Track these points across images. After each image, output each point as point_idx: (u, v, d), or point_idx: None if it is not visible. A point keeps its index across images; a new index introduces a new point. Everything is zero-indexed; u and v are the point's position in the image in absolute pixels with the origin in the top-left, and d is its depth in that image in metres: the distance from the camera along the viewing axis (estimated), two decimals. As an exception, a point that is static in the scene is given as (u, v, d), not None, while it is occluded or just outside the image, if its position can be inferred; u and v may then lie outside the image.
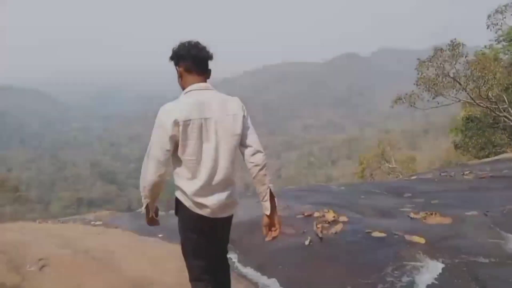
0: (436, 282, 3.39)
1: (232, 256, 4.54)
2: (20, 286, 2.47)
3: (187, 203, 2.11)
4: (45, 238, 3.41)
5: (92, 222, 5.78)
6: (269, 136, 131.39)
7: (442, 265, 3.62)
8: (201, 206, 2.08)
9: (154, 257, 3.64)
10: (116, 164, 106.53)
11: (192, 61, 2.17)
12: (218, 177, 2.09)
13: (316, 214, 5.31)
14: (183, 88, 2.21)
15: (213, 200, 2.08)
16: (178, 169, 2.12)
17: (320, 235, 4.60)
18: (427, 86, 15.57)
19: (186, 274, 3.31)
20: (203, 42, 2.21)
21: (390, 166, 21.49)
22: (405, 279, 3.51)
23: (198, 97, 2.10)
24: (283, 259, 4.22)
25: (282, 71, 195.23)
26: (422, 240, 4.14)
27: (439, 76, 15.42)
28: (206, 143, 2.05)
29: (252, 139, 2.21)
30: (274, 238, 2.34)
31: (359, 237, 4.50)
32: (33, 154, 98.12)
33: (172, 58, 2.23)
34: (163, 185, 2.12)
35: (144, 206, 2.23)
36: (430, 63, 15.57)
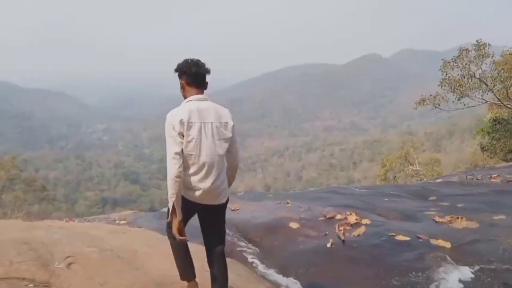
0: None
1: (254, 257, 4.55)
2: (49, 283, 2.54)
3: (187, 194, 2.51)
4: (72, 236, 3.50)
5: (117, 221, 5.91)
6: (289, 137, 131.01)
7: (469, 271, 3.53)
8: (194, 190, 2.50)
9: (177, 256, 3.68)
10: (138, 164, 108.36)
11: (193, 77, 2.62)
12: (212, 171, 2.53)
13: (338, 217, 5.26)
14: (185, 97, 2.67)
15: (205, 186, 2.51)
16: (173, 164, 2.43)
17: (342, 237, 4.55)
18: (452, 87, 15.21)
19: (208, 274, 3.34)
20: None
21: (414, 168, 21.05)
22: (430, 283, 3.44)
23: (197, 105, 2.55)
24: (305, 261, 4.20)
25: (302, 73, 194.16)
26: (447, 245, 4.05)
27: (464, 77, 15.05)
28: (204, 142, 2.49)
29: (234, 148, 2.71)
30: None
31: (382, 240, 4.43)
32: (59, 155, 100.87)
33: (176, 71, 2.68)
34: (182, 178, 2.44)
35: (171, 206, 2.45)
36: (455, 64, 15.21)
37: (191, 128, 2.46)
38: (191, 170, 2.50)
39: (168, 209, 2.52)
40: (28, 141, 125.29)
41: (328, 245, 4.42)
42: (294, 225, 5.12)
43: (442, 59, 15.66)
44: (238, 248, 4.80)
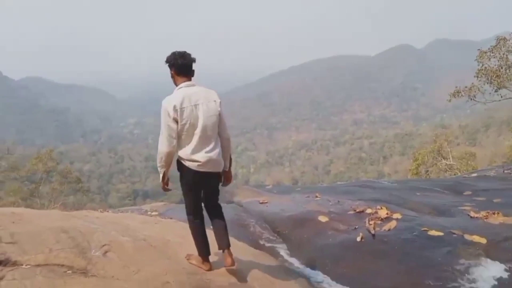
0: (498, 285, 3.20)
1: (282, 249, 4.56)
2: (86, 269, 2.65)
3: (184, 163, 3.05)
4: (107, 226, 3.62)
5: (148, 213, 6.07)
6: (317, 131, 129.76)
7: (505, 267, 3.41)
8: (194, 162, 3.00)
9: (207, 247, 3.75)
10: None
11: (180, 67, 3.06)
12: (205, 143, 3.02)
13: (368, 211, 5.19)
14: (176, 85, 3.11)
15: (202, 157, 3.00)
16: (179, 143, 3.02)
17: (372, 232, 4.49)
18: (489, 78, 14.56)
19: (236, 263, 3.38)
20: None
21: (448, 163, 20.38)
22: (463, 280, 3.35)
23: (187, 91, 3.01)
24: (334, 254, 4.18)
25: (332, 65, 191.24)
26: (483, 240, 3.91)
27: (502, 68, 14.37)
28: (197, 121, 2.97)
29: (223, 122, 3.17)
30: (226, 185, 3.43)
31: (415, 235, 4.34)
32: (93, 148, 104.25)
33: (166, 62, 3.10)
34: (173, 155, 3.01)
35: (161, 174, 3.13)
36: (492, 54, 14.55)
37: (184, 112, 2.93)
38: (189, 145, 2.99)
39: (162, 176, 3.15)
40: (64, 135, 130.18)
41: (358, 239, 4.37)
42: (323, 218, 5.09)
43: (478, 49, 15.01)
44: (267, 240, 4.82)
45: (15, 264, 2.50)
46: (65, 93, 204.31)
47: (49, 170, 20.32)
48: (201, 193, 3.24)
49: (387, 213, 5.03)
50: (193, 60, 3.10)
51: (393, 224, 4.65)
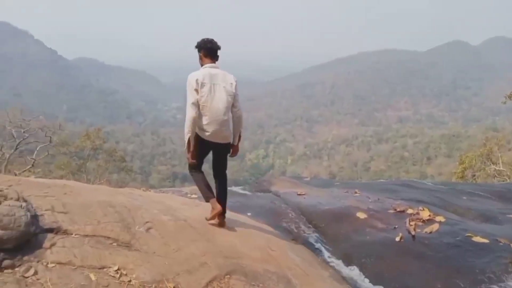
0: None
1: (318, 243, 4.55)
2: (130, 243, 2.77)
3: (196, 131, 3.53)
4: (150, 204, 3.76)
5: (188, 195, 6.23)
6: (359, 126, 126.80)
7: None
8: (205, 131, 3.51)
9: (244, 233, 3.81)
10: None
11: (208, 50, 3.63)
12: (219, 118, 3.50)
13: (409, 211, 5.05)
14: (202, 65, 3.63)
15: (212, 129, 3.50)
16: (192, 113, 3.44)
17: (413, 233, 4.37)
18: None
19: (273, 252, 3.41)
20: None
21: (497, 168, 19.27)
22: (508, 290, 3.19)
23: (210, 71, 3.54)
24: (371, 252, 4.11)
25: (379, 59, 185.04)
26: (533, 252, 3.70)
27: None
28: (213, 97, 3.47)
29: (237, 102, 3.66)
30: (233, 156, 3.85)
31: (457, 240, 4.18)
32: (137, 129, 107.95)
33: (196, 47, 3.68)
34: (197, 121, 3.47)
35: (186, 140, 3.50)
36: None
37: (204, 87, 3.46)
38: (204, 117, 3.48)
39: (187, 144, 3.53)
40: (111, 115, 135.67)
41: (397, 239, 4.28)
42: (361, 215, 5.01)
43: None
44: (302, 232, 4.82)
45: (65, 232, 2.65)
46: (114, 75, 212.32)
47: (96, 147, 21.23)
48: (204, 158, 3.78)
49: (429, 215, 4.87)
50: (219, 47, 3.66)
51: (435, 227, 4.50)
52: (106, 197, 3.48)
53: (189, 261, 2.79)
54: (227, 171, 3.92)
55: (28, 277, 2.19)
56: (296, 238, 4.58)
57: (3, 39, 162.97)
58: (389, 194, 6.34)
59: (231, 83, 3.58)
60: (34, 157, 15.16)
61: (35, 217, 2.61)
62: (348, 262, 4.04)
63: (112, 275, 2.39)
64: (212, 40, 3.65)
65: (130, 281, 2.39)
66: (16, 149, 14.07)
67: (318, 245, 4.47)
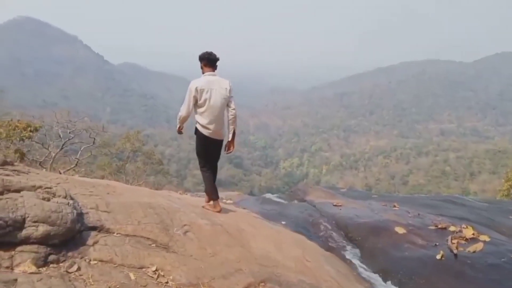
0: None
1: (354, 256, 4.44)
2: (168, 245, 2.83)
3: (200, 129, 4.25)
4: (187, 207, 3.83)
5: (224, 200, 6.28)
6: (398, 138, 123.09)
7: None
8: (207, 129, 4.22)
9: (279, 241, 3.79)
10: (243, 150, 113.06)
11: (207, 61, 4.26)
12: (215, 117, 4.19)
13: (451, 228, 4.83)
14: (203, 73, 4.26)
15: (212, 128, 4.20)
16: (198, 112, 4.22)
17: (455, 251, 4.17)
18: None
19: (308, 263, 3.37)
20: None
21: (548, 187, 18.06)
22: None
23: (208, 78, 4.19)
24: (409, 268, 3.96)
25: (421, 69, 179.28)
26: None
27: None
28: (210, 100, 4.14)
29: (232, 103, 4.28)
30: (229, 152, 4.49)
31: (503, 262, 3.95)
32: (175, 134, 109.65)
33: (199, 58, 4.27)
34: (187, 119, 4.27)
35: (178, 126, 4.43)
36: None
37: (203, 92, 4.11)
38: (204, 117, 4.17)
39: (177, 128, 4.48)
40: (151, 119, 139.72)
41: (438, 256, 4.10)
42: (400, 230, 4.85)
43: None
44: (338, 244, 4.73)
45: (108, 231, 2.75)
46: (155, 80, 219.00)
47: (135, 150, 21.83)
48: (210, 155, 4.42)
49: (473, 234, 4.64)
50: (217, 58, 4.30)
51: (479, 246, 4.29)
52: (147, 198, 3.57)
53: (224, 266, 2.80)
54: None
55: (71, 272, 2.28)
56: (332, 249, 4.50)
57: (55, 43, 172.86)
58: (430, 209, 6.10)
59: (226, 88, 4.21)
60: (78, 156, 15.84)
61: (80, 215, 2.72)
62: (385, 278, 3.91)
63: (150, 275, 2.45)
64: (212, 52, 4.30)
65: (167, 282, 2.43)
66: (62, 148, 14.75)
67: (354, 258, 4.36)
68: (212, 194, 4.41)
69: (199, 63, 4.27)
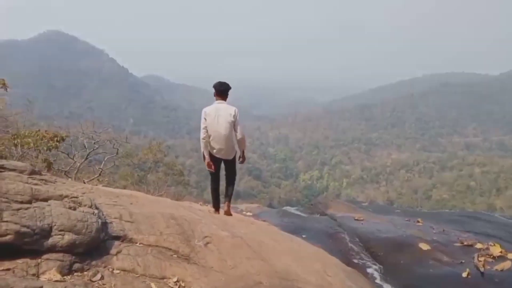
0: None
1: (376, 271, 4.35)
2: (189, 257, 2.84)
3: (210, 150, 4.86)
4: (208, 218, 3.85)
5: (244, 212, 6.28)
6: (421, 151, 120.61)
7: None
8: (212, 148, 4.83)
9: (300, 255, 3.75)
10: (262, 162, 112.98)
11: (218, 91, 4.89)
12: (221, 140, 4.79)
13: (478, 246, 4.68)
14: (216, 100, 4.90)
15: (217, 147, 4.82)
16: (206, 135, 4.80)
17: (482, 269, 4.04)
18: None
19: (329, 278, 3.31)
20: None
21: None
22: None
23: (217, 106, 4.84)
24: (434, 286, 3.86)
25: (445, 82, 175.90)
26: None
27: None
28: (217, 125, 4.76)
29: (238, 129, 4.87)
30: (241, 162, 5.14)
31: (534, 282, 3.79)
32: (196, 145, 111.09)
33: (213, 87, 4.90)
34: (207, 141, 4.78)
35: (204, 154, 4.88)
36: None
37: (210, 116, 4.74)
38: (212, 139, 4.78)
39: (203, 156, 4.93)
40: (173, 130, 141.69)
41: (464, 274, 3.97)
42: (424, 246, 4.73)
43: None
44: (359, 260, 4.64)
45: (131, 241, 2.79)
46: (178, 91, 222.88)
47: (157, 160, 22.04)
48: (219, 167, 5.02)
49: (500, 252, 4.48)
50: (229, 88, 4.91)
51: (507, 264, 4.13)
52: (169, 209, 3.61)
53: (244, 278, 2.79)
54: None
55: (95, 281, 2.32)
56: (353, 265, 4.42)
57: (82, 56, 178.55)
58: (455, 225, 5.93)
59: (231, 114, 4.76)
60: (101, 166, 16.16)
61: (104, 224, 2.77)
62: (408, 296, 3.81)
63: (171, 286, 2.47)
64: (223, 84, 4.88)
65: (188, 293, 2.44)
66: (86, 158, 15.08)
67: (375, 274, 4.27)
68: (213, 203, 5.20)
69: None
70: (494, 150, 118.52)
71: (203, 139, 4.76)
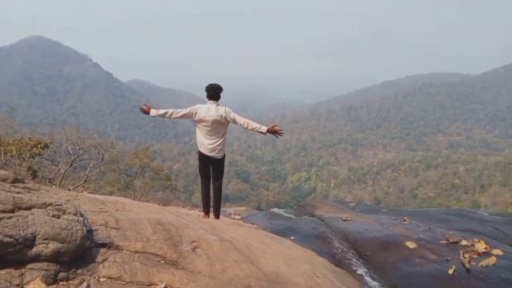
0: None
1: (364, 271, 4.38)
2: (177, 262, 2.82)
3: (199, 147, 4.98)
4: (196, 222, 3.82)
5: (232, 216, 6.26)
6: (406, 151, 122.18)
7: None
8: (203, 149, 4.93)
9: (288, 257, 3.75)
10: (250, 165, 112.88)
11: (210, 93, 4.95)
12: (210, 137, 4.90)
13: (463, 242, 4.76)
14: (208, 100, 4.96)
15: (207, 147, 4.90)
16: (197, 133, 4.97)
17: (467, 266, 4.10)
18: None
19: (318, 279, 3.33)
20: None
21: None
22: None
23: (208, 106, 4.89)
24: (421, 284, 3.90)
25: (428, 82, 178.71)
26: None
27: None
28: (207, 124, 4.84)
29: (238, 118, 4.88)
30: (280, 131, 4.85)
31: (517, 277, 3.87)
32: (183, 149, 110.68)
33: (205, 89, 5.01)
34: (170, 116, 4.95)
35: (158, 112, 5.02)
36: None
37: (201, 112, 4.81)
38: (202, 137, 4.91)
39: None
40: (159, 134, 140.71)
41: (450, 271, 4.03)
42: (411, 244, 4.78)
43: None
44: (348, 260, 4.67)
45: (117, 248, 2.75)
46: (164, 96, 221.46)
47: (143, 165, 21.82)
48: (209, 168, 5.07)
49: (485, 248, 4.57)
50: (221, 90, 4.99)
51: (492, 260, 4.21)
52: (156, 214, 3.58)
53: (233, 282, 2.78)
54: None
55: (81, 290, 2.28)
56: (342, 265, 4.44)
57: (65, 61, 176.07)
58: (440, 223, 6.01)
59: (222, 115, 4.81)
60: (87, 173, 15.93)
61: (90, 232, 2.73)
62: (396, 294, 3.85)
63: (159, 292, 2.44)
64: (215, 87, 4.96)
65: (176, 299, 2.42)
66: (71, 165, 14.84)
67: (364, 274, 4.30)
68: (203, 208, 5.25)
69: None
70: (477, 148, 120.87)
71: (169, 114, 4.87)
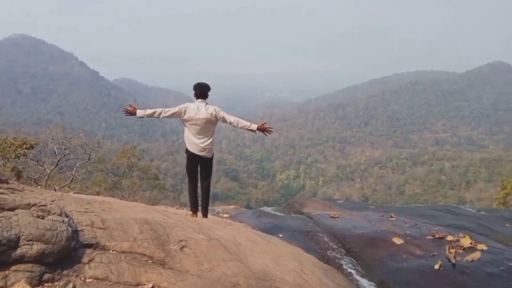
0: None
1: (352, 267, 4.42)
2: (164, 261, 2.80)
3: (188, 147, 4.89)
4: (184, 222, 3.80)
5: (220, 214, 6.25)
6: (393, 148, 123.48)
7: None
8: (190, 145, 4.87)
9: (276, 255, 3.76)
10: (239, 163, 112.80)
11: (198, 92, 4.91)
12: (199, 136, 4.83)
13: (449, 238, 4.83)
14: (196, 99, 4.91)
15: (197, 146, 4.83)
16: (186, 132, 4.89)
17: (453, 261, 4.17)
18: None
19: (306, 276, 3.34)
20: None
21: (543, 194, 18.12)
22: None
23: (198, 105, 4.85)
24: (408, 279, 3.95)
25: (414, 80, 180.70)
26: None
27: None
28: (196, 122, 4.77)
29: (227, 117, 4.87)
30: (270, 128, 4.91)
31: (501, 270, 3.95)
32: (171, 148, 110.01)
33: (193, 88, 4.95)
34: (159, 116, 4.79)
35: (144, 113, 4.78)
36: None
37: (190, 110, 4.75)
38: (191, 135, 4.83)
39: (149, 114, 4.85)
40: (147, 133, 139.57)
41: (436, 266, 4.09)
42: (397, 240, 4.84)
43: None
44: (336, 256, 4.70)
45: (103, 248, 2.72)
46: (151, 94, 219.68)
47: (131, 165, 21.62)
48: (197, 167, 5.01)
49: (470, 243, 4.65)
50: (209, 89, 4.96)
51: (477, 255, 4.29)
52: (143, 214, 3.55)
53: (221, 281, 2.78)
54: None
55: (67, 291, 2.25)
56: (330, 262, 4.47)
57: (50, 60, 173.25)
58: (426, 219, 6.10)
59: (211, 113, 4.77)
60: (73, 173, 15.72)
61: (75, 232, 2.70)
62: (383, 290, 3.89)
63: (147, 292, 2.42)
64: (203, 86, 4.90)
65: (164, 299, 2.40)
66: (57, 165, 14.64)
67: (352, 270, 4.34)
68: (191, 206, 5.16)
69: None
70: (463, 145, 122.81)
71: (158, 113, 4.72)
